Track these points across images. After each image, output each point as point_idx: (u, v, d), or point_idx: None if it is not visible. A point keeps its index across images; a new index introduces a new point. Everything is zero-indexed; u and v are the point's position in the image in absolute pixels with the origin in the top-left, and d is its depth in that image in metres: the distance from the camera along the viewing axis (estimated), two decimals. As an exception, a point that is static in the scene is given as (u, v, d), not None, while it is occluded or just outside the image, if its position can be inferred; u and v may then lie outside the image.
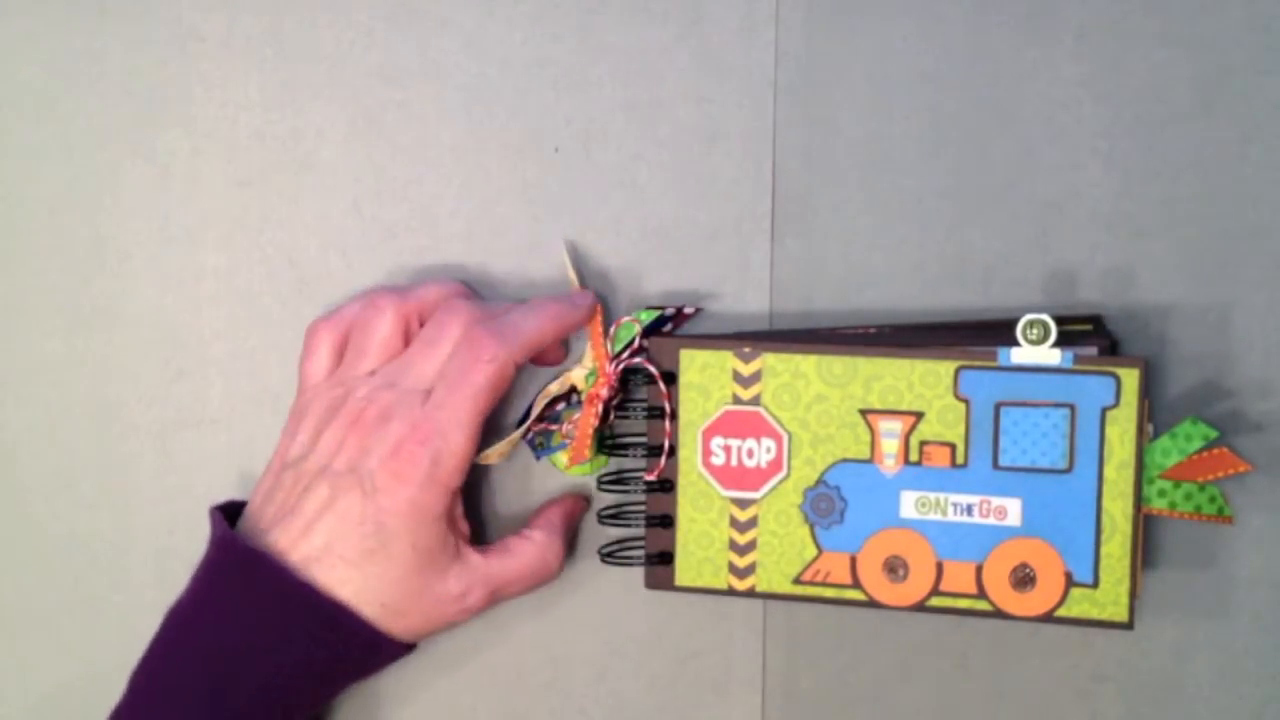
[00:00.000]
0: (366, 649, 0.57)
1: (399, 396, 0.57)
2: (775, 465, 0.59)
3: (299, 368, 0.61)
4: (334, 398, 0.59)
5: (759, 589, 0.60)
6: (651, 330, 0.61)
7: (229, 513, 0.60)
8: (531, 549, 0.60)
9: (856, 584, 0.59)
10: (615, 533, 0.62)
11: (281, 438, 0.60)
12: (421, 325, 0.60)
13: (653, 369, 0.60)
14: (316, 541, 0.56)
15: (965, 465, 0.57)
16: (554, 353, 0.61)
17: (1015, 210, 0.59)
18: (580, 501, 0.63)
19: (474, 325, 0.58)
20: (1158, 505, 0.57)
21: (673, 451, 0.60)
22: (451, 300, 0.60)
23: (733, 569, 0.60)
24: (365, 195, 0.64)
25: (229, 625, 0.56)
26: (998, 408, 0.57)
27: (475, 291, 0.62)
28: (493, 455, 0.62)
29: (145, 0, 0.64)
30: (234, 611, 0.56)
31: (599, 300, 0.60)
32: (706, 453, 0.60)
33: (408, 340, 0.59)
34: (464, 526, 0.59)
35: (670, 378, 0.60)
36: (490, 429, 0.63)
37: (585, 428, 0.60)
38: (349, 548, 0.56)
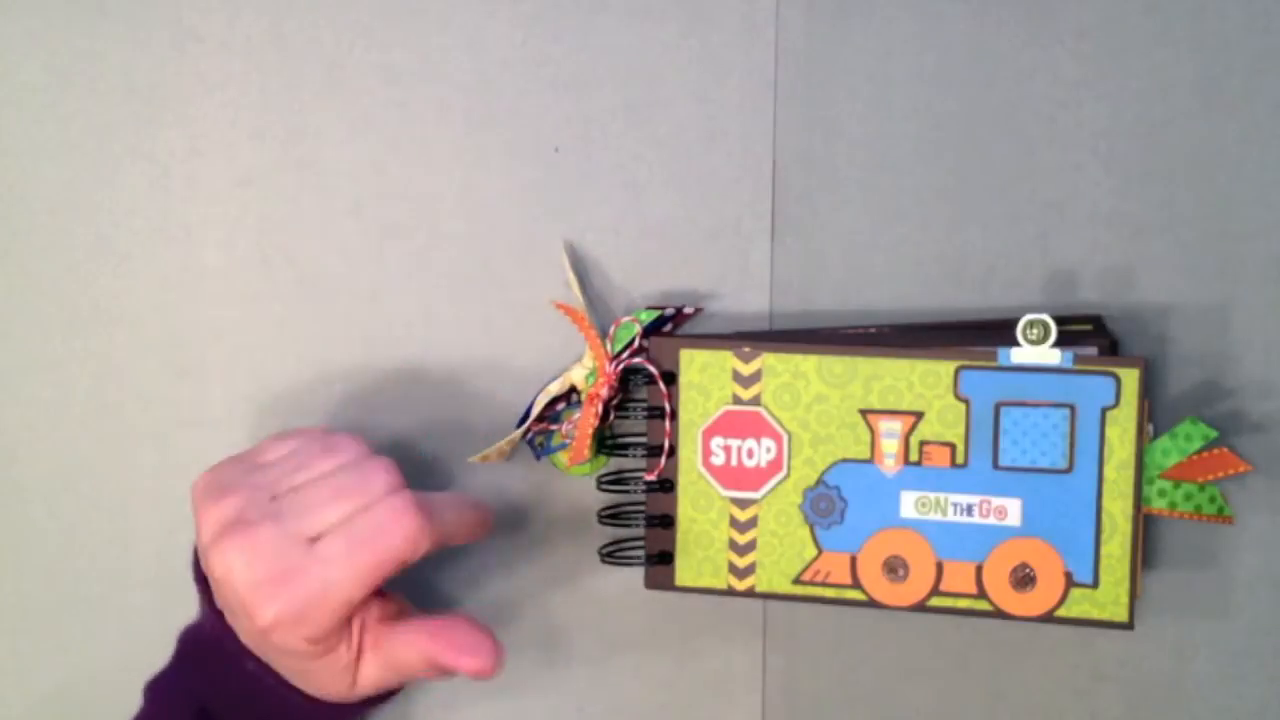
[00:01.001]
0: (327, 712, 0.58)
1: (280, 533, 0.52)
2: (775, 465, 0.59)
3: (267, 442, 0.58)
4: (236, 500, 0.54)
5: (759, 589, 0.60)
6: (651, 330, 0.61)
7: None
8: (410, 661, 0.56)
9: (856, 584, 0.59)
10: (615, 533, 0.62)
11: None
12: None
13: (653, 369, 0.60)
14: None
15: (965, 465, 0.57)
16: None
17: (1015, 210, 0.59)
18: (467, 665, 0.56)
19: (406, 492, 0.54)
20: (1158, 505, 0.57)
21: (673, 451, 0.60)
22: (372, 461, 0.55)
23: (733, 569, 0.60)
24: (365, 195, 0.64)
25: (215, 657, 0.58)
26: (998, 408, 0.57)
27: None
28: (493, 455, 0.62)
29: (145, 0, 0.64)
30: (217, 647, 0.58)
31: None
32: (706, 453, 0.60)
33: None
34: (368, 619, 0.56)
35: (670, 378, 0.60)
36: (491, 429, 0.63)
37: (585, 428, 0.60)
38: (253, 647, 0.56)
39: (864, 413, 0.58)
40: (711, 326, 0.61)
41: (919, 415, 0.58)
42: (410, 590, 0.62)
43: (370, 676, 0.56)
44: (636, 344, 0.60)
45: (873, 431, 0.58)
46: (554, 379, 0.61)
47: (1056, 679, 0.60)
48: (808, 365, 0.58)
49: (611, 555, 0.62)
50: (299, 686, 0.57)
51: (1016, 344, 0.57)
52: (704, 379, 0.59)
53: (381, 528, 0.53)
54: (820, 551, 0.59)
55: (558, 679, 0.64)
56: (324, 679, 0.56)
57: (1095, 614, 0.57)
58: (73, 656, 0.66)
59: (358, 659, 0.56)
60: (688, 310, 0.61)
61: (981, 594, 0.58)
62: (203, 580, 0.58)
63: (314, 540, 0.53)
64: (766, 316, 0.61)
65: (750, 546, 0.60)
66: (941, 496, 0.58)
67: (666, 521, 0.60)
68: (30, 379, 0.66)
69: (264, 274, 0.64)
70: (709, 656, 0.62)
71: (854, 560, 0.59)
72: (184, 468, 0.65)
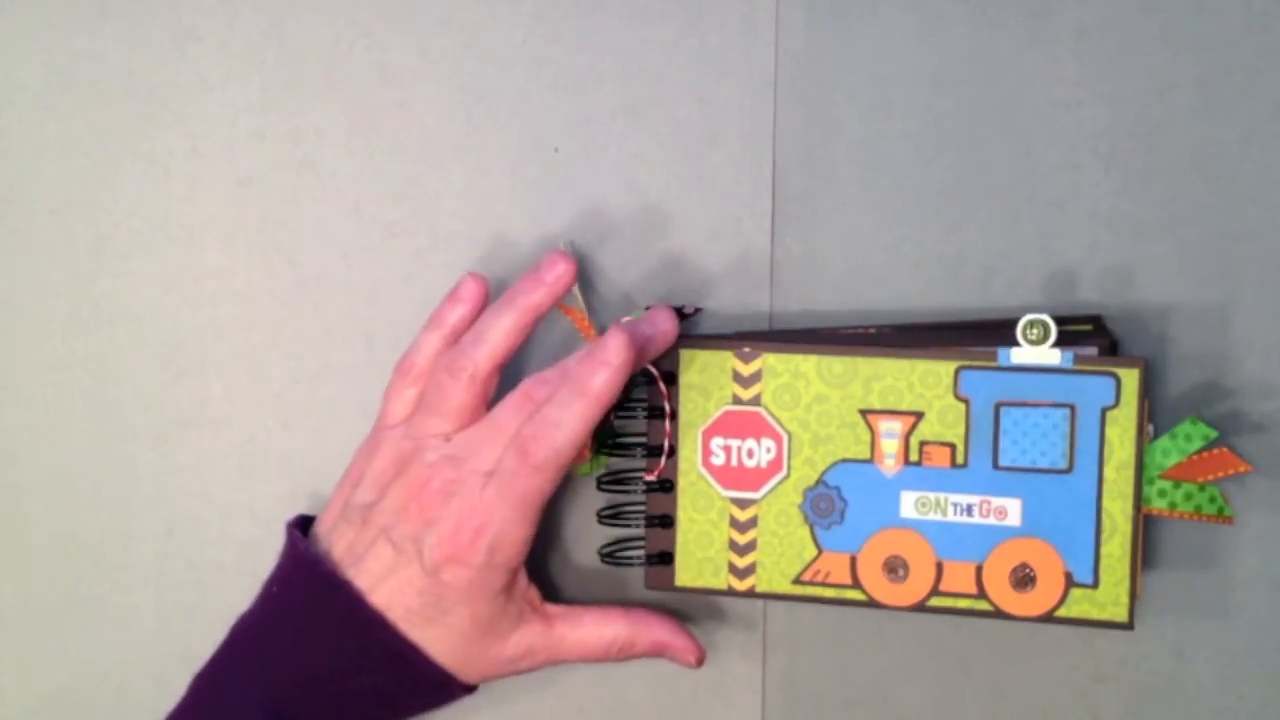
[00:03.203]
0: (435, 689, 0.58)
1: (463, 476, 0.55)
2: (775, 465, 0.59)
3: (383, 401, 0.59)
4: (403, 451, 0.57)
5: (759, 589, 0.60)
6: (651, 330, 0.61)
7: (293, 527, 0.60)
8: (602, 635, 0.59)
9: (856, 584, 0.59)
10: (615, 533, 0.62)
11: (351, 466, 0.59)
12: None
13: (653, 369, 0.60)
14: (379, 598, 0.56)
15: (965, 465, 0.57)
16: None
17: (1015, 210, 0.59)
18: (685, 647, 0.60)
19: (528, 422, 0.55)
20: (1158, 505, 0.57)
21: (673, 451, 0.60)
22: (530, 383, 0.57)
23: (733, 569, 0.60)
24: (365, 195, 0.64)
25: (302, 645, 0.57)
26: (998, 408, 0.57)
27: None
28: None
29: (145, 0, 0.64)
30: (309, 633, 0.57)
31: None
32: (706, 453, 0.60)
33: (485, 399, 0.58)
34: (531, 593, 0.59)
35: (670, 378, 0.60)
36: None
37: (585, 428, 0.60)
38: (410, 611, 0.56)
39: (864, 413, 0.58)
40: (711, 326, 0.61)
41: (919, 415, 0.58)
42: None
43: (523, 643, 0.58)
44: (636, 344, 0.60)
45: (873, 431, 0.58)
46: (554, 379, 0.61)
47: (1056, 679, 0.60)
48: (808, 365, 0.58)
49: (611, 555, 0.62)
50: (421, 643, 0.56)
51: (1016, 344, 0.57)
52: (704, 379, 0.59)
53: (514, 467, 0.55)
54: (820, 551, 0.59)
55: (558, 679, 0.64)
56: (472, 627, 0.56)
57: (1095, 614, 0.57)
58: (73, 656, 0.66)
59: (517, 621, 0.58)
60: (688, 310, 0.61)
61: (981, 594, 0.58)
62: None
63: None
64: (766, 316, 0.61)
65: (750, 547, 0.60)
66: (941, 496, 0.58)
67: (666, 521, 0.60)
68: (30, 379, 0.66)
69: (264, 274, 0.64)
70: (709, 657, 0.62)
71: (854, 560, 0.59)
72: (184, 468, 0.65)
